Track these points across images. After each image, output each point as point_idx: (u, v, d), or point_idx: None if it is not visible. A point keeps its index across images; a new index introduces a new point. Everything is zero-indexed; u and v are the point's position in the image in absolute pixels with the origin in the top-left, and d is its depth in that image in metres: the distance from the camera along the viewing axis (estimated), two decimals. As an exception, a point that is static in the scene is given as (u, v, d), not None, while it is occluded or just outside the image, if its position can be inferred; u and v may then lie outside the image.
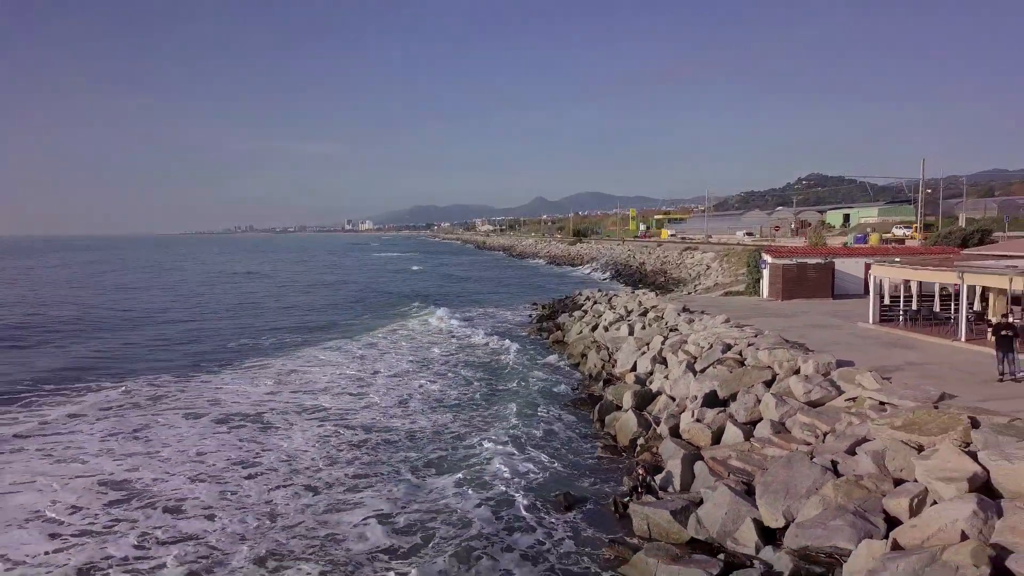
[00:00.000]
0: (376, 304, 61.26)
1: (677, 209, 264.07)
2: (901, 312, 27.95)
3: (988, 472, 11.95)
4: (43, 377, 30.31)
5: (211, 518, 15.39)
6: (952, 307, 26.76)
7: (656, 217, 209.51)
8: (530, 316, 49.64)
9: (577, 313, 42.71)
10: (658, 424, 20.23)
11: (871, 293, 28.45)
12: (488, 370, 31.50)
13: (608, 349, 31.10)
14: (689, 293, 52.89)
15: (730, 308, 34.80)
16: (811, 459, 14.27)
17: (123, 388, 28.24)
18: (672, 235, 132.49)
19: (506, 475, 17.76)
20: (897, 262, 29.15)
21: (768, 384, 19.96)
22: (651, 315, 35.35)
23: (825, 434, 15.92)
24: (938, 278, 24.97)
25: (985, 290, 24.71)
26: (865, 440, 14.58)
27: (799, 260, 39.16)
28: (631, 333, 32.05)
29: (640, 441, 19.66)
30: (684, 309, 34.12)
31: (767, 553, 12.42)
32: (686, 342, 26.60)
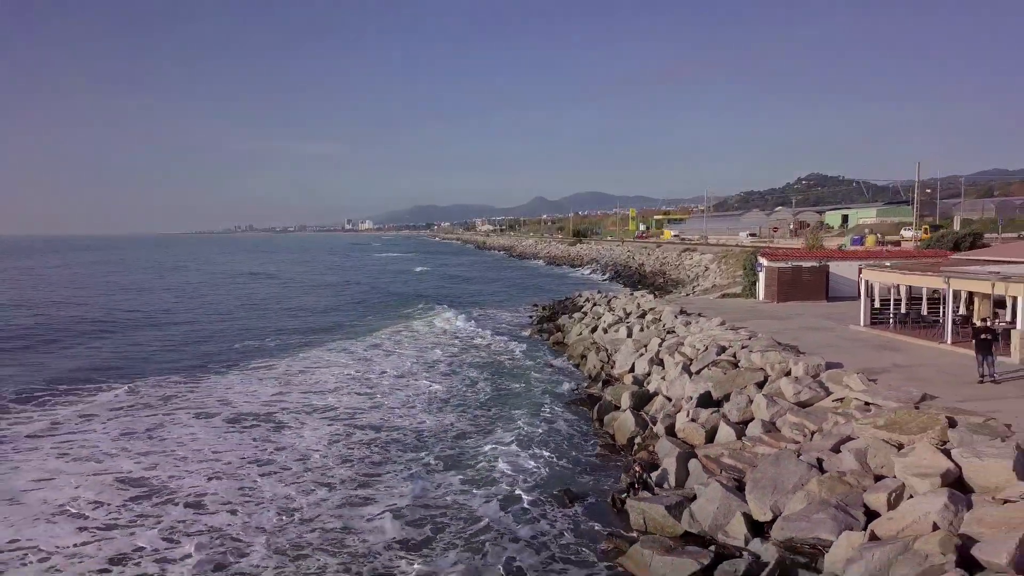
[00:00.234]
0: (380, 305, 62.19)
1: (677, 209, 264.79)
2: (891, 315, 28.80)
3: (960, 468, 12.82)
4: (53, 377, 31.05)
5: (233, 512, 16.24)
6: (940, 310, 27.61)
7: (656, 217, 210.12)
8: (531, 317, 50.55)
9: (577, 315, 43.58)
10: (655, 424, 21.07)
11: (862, 296, 29.30)
12: (492, 370, 32.37)
13: (607, 351, 31.95)
14: (687, 295, 53.73)
15: (726, 310, 35.65)
16: (798, 457, 15.12)
17: (132, 388, 28.92)
18: (675, 235, 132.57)
19: (510, 472, 18.69)
20: (887, 266, 30.02)
21: (760, 385, 20.83)
22: (649, 317, 36.18)
23: (813, 433, 16.78)
24: (925, 282, 25.84)
25: (971, 294, 25.57)
26: (849, 439, 15.43)
27: (794, 263, 39.94)
28: (629, 335, 32.92)
29: (637, 440, 20.46)
30: (681, 311, 34.96)
31: (755, 545, 13.25)
32: (683, 344, 27.46)
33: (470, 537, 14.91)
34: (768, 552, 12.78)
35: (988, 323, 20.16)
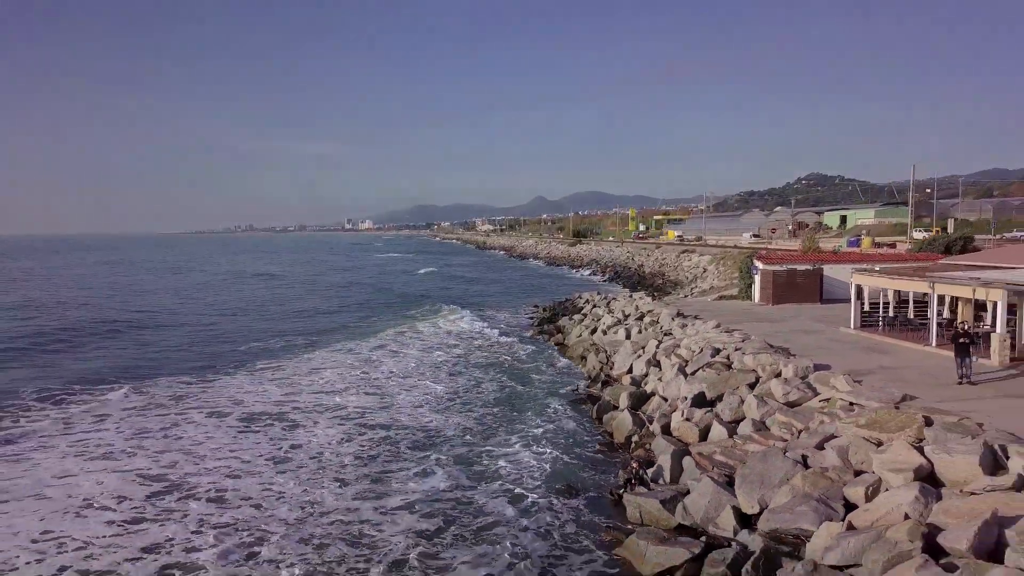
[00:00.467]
0: (385, 306, 63.17)
1: (677, 209, 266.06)
2: (880, 318, 29.82)
3: (932, 464, 13.88)
4: (65, 378, 31.87)
5: (255, 507, 17.25)
6: (927, 314, 28.62)
7: (656, 217, 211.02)
8: (532, 318, 51.57)
9: (577, 316, 44.66)
10: (651, 423, 22.12)
11: (852, 300, 30.32)
12: (496, 371, 33.39)
13: (606, 352, 33.00)
14: (685, 296, 54.75)
15: (722, 313, 36.66)
16: (784, 454, 16.17)
17: (143, 389, 29.68)
18: (679, 236, 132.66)
19: (516, 468, 19.79)
20: (876, 271, 31.06)
21: (752, 386, 21.88)
22: (647, 319, 37.21)
23: (800, 432, 17.83)
24: (912, 287, 26.85)
25: (955, 299, 26.58)
26: (833, 437, 16.49)
27: (789, 267, 40.91)
28: (628, 337, 33.98)
29: (635, 438, 21.51)
30: (679, 314, 35.98)
31: (743, 535, 14.30)
32: (679, 346, 28.51)
33: (479, 528, 16.01)
34: (755, 542, 13.81)
35: (968, 327, 21.22)
